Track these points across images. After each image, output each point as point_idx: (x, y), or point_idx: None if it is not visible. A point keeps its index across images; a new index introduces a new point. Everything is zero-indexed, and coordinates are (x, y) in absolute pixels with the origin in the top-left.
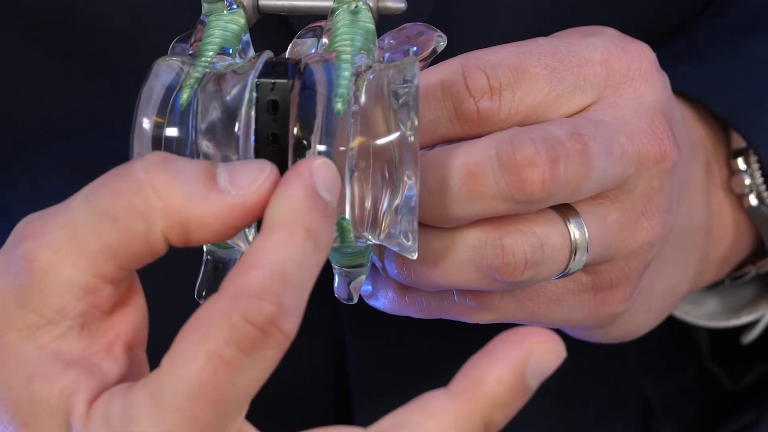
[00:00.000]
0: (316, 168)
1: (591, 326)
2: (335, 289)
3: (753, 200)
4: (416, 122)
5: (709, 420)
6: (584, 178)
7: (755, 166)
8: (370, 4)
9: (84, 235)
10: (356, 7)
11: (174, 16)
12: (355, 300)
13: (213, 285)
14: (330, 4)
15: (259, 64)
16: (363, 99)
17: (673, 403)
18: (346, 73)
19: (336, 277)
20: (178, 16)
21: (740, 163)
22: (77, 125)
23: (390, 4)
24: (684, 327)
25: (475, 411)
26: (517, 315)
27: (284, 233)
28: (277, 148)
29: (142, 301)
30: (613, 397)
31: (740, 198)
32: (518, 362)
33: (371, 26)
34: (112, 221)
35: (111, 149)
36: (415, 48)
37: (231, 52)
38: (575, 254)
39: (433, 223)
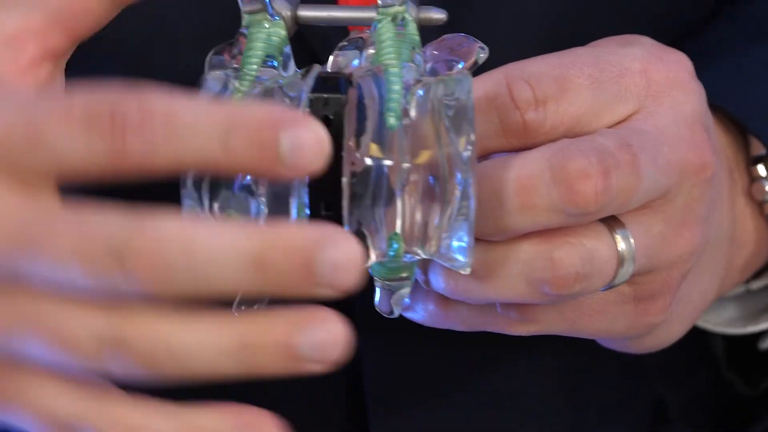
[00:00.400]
0: None
1: (631, 336)
2: (376, 303)
3: None
4: (473, 136)
5: (725, 426)
6: (635, 189)
7: None
8: (413, 15)
9: None
10: (403, 19)
11: (182, 29)
12: (397, 314)
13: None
14: (369, 14)
15: (310, 79)
16: (413, 113)
17: (689, 408)
18: (396, 87)
19: (377, 290)
20: (186, 29)
21: (760, 169)
22: None
23: (432, 15)
24: (700, 333)
25: None
26: (560, 327)
27: None
28: (332, 163)
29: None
30: (624, 400)
31: (761, 205)
32: None
33: (416, 38)
34: None
35: None
36: (461, 62)
37: (276, 64)
38: (622, 265)
39: (484, 236)
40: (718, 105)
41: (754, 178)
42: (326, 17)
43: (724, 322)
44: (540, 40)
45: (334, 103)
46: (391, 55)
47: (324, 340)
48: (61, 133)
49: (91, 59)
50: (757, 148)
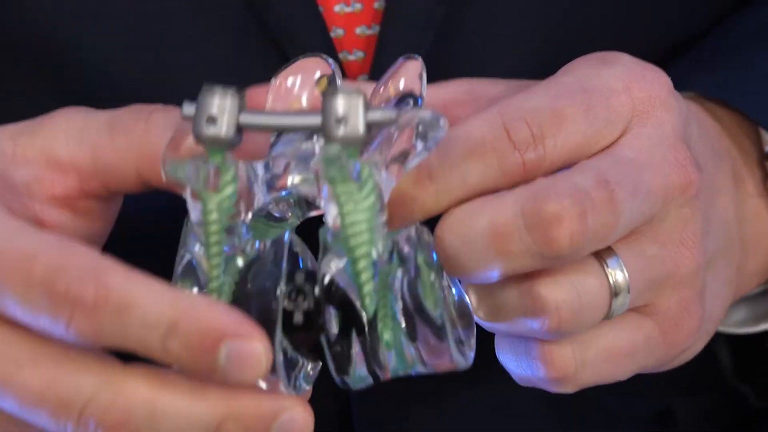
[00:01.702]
0: None
1: (665, 365)
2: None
3: None
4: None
5: None
6: (612, 226)
7: None
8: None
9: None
10: (357, 174)
11: (166, 47)
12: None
13: None
14: (314, 121)
15: (282, 263)
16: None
17: (697, 418)
18: (368, 287)
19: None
20: (171, 48)
21: None
22: None
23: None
24: (708, 345)
25: None
26: (597, 380)
27: None
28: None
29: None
30: (629, 409)
31: None
32: None
33: (376, 194)
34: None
35: None
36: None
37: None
38: (617, 296)
39: (471, 281)
40: (726, 102)
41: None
42: (270, 124)
43: (735, 323)
44: (538, 42)
45: (310, 295)
46: (359, 240)
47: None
48: (19, 290)
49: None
50: None
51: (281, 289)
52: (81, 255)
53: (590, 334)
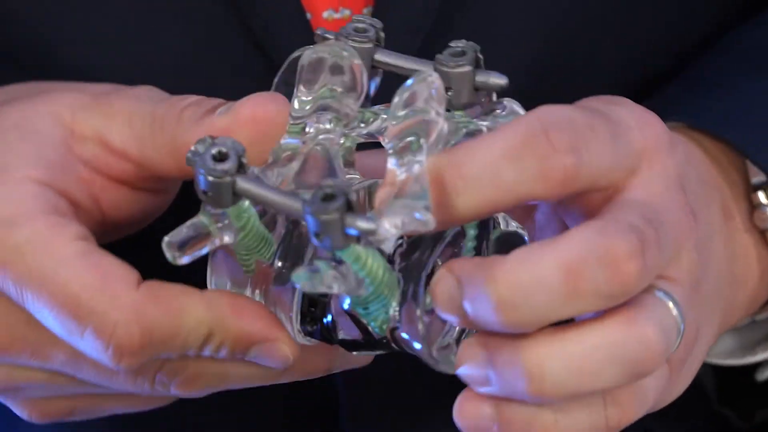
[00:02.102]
0: None
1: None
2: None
3: None
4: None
5: None
6: (660, 264)
7: None
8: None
9: None
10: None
11: (142, 41)
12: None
13: None
14: (296, 204)
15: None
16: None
17: None
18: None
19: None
20: (148, 43)
21: (761, 196)
22: None
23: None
24: None
25: None
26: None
27: None
28: None
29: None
30: None
31: (763, 233)
32: None
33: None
34: None
35: None
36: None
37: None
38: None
39: (531, 327)
40: (714, 134)
41: (754, 206)
42: (260, 198)
43: (722, 354)
44: (532, 47)
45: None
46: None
47: None
48: (64, 330)
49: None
50: (756, 175)
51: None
52: (122, 297)
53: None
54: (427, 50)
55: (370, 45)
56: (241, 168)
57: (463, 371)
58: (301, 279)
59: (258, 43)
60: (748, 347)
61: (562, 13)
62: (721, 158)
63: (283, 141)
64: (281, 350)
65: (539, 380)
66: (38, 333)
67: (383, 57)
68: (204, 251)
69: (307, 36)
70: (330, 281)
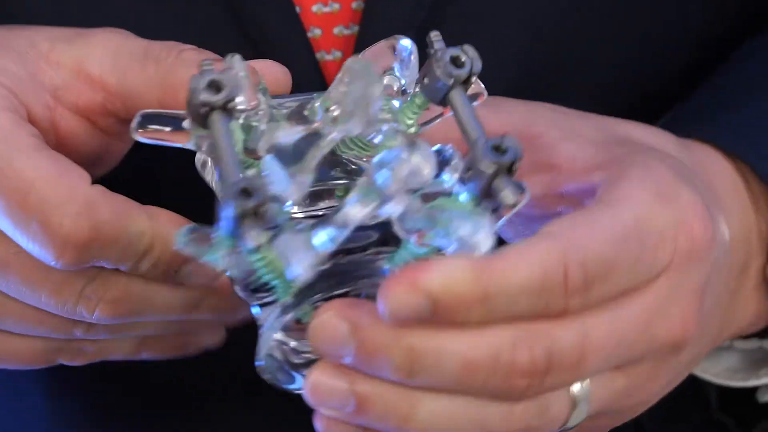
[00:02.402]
0: None
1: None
2: None
3: None
4: None
5: None
6: (571, 383)
7: None
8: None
9: None
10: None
11: None
12: None
13: None
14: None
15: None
16: None
17: None
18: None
19: None
20: None
21: None
22: None
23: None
24: (692, 376)
25: None
26: None
27: None
28: None
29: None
30: None
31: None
32: None
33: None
34: None
35: None
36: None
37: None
38: (576, 408)
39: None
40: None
41: None
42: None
43: (725, 372)
44: (521, 45)
45: None
46: None
47: None
48: (13, 217)
49: None
50: None
51: None
52: (76, 189)
53: None
54: (420, 44)
55: None
56: (227, 106)
57: (321, 343)
58: (181, 239)
59: (248, 35)
60: (751, 368)
61: (555, 9)
62: (754, 186)
63: None
64: (212, 268)
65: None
66: None
67: None
68: (167, 143)
69: (297, 29)
70: (211, 256)
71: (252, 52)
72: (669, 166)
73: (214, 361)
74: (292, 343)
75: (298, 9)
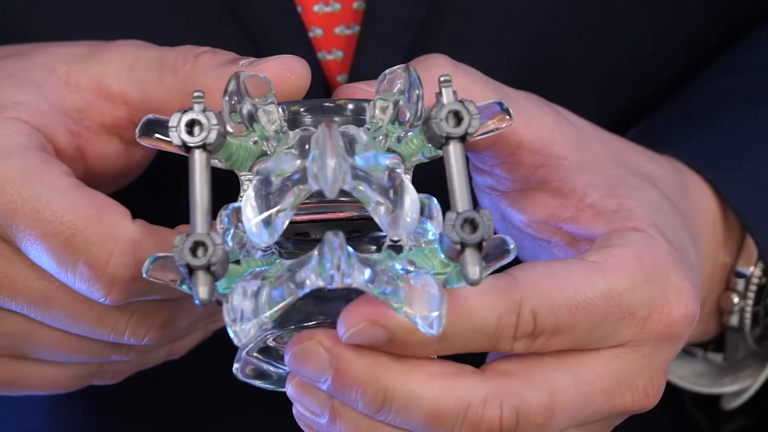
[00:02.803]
0: None
1: None
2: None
3: (734, 320)
4: None
5: None
6: None
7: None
8: None
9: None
10: None
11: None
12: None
13: None
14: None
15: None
16: None
17: None
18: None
19: None
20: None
21: (739, 283)
22: None
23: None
24: None
25: None
26: None
27: None
28: None
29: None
30: None
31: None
32: None
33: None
34: None
35: None
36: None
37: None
38: None
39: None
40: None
41: (728, 287)
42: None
43: (690, 376)
44: (519, 43)
45: None
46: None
47: None
48: (59, 259)
49: None
50: (748, 260)
51: None
52: (116, 223)
53: None
54: (419, 44)
55: None
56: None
57: (301, 368)
58: (147, 267)
59: (249, 35)
60: (716, 374)
61: (554, 8)
62: (731, 216)
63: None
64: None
65: (381, 404)
66: (14, 267)
67: None
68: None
69: (298, 29)
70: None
71: (253, 51)
72: (669, 246)
73: (215, 362)
74: (271, 343)
75: (299, 9)
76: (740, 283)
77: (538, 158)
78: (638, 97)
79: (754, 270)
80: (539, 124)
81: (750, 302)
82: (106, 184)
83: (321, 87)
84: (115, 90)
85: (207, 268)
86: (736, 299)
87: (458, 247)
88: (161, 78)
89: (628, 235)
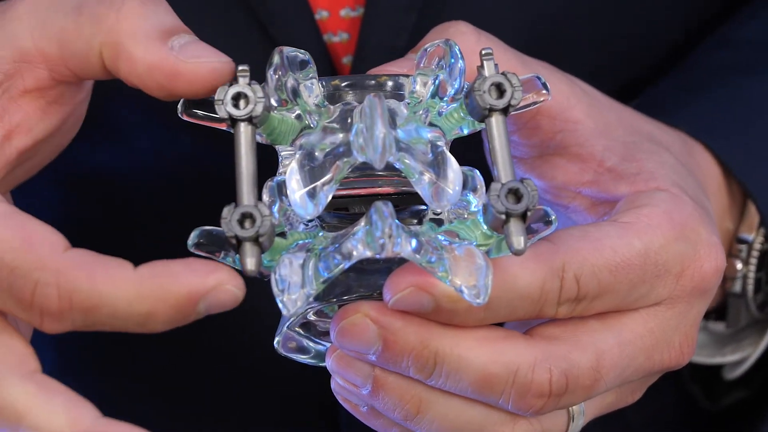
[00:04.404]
0: None
1: None
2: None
3: (737, 287)
4: None
5: None
6: (584, 401)
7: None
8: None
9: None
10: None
11: None
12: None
13: None
14: None
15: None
16: None
17: (652, 422)
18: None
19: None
20: None
21: (743, 248)
22: None
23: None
24: None
25: None
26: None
27: None
28: None
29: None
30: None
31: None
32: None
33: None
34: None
35: (100, 159)
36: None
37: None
38: (572, 423)
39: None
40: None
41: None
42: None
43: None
44: (523, 24)
45: None
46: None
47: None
48: None
49: None
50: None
51: None
52: (43, 253)
53: None
54: (421, 27)
55: None
56: (253, 120)
57: (349, 342)
58: (192, 240)
59: (256, 19)
60: (717, 345)
61: None
62: (734, 184)
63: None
64: (230, 294)
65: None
66: None
67: None
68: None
69: (304, 12)
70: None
71: (260, 34)
72: (694, 203)
73: (221, 361)
74: (311, 317)
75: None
76: (743, 250)
77: (556, 123)
78: (638, 76)
79: (756, 236)
80: (556, 90)
81: (753, 268)
82: (38, 157)
83: (327, 69)
84: (31, 48)
85: (255, 239)
86: (739, 266)
87: (503, 217)
88: (79, 26)
89: (654, 194)
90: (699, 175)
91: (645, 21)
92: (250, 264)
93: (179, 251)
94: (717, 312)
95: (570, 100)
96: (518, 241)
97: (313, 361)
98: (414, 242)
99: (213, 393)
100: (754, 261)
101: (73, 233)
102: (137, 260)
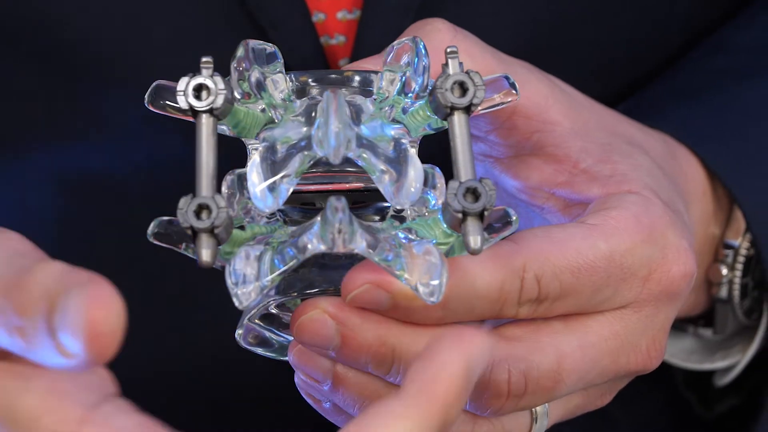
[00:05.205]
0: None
1: None
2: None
3: (723, 292)
4: None
5: None
6: (545, 402)
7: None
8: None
9: None
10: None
11: (154, 30)
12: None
13: None
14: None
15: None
16: None
17: (642, 429)
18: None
19: None
20: (159, 31)
21: (729, 253)
22: (59, 137)
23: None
24: None
25: (435, 411)
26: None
27: None
28: None
29: None
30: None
31: (711, 286)
32: (463, 359)
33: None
34: None
35: (95, 161)
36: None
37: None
38: (536, 422)
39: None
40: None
41: (717, 259)
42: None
43: (681, 353)
44: (520, 29)
45: None
46: None
47: None
48: None
49: (61, 56)
50: (737, 232)
51: None
52: None
53: None
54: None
55: None
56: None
57: (308, 337)
58: (152, 229)
59: (253, 20)
60: (706, 351)
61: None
62: (720, 189)
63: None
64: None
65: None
66: None
67: None
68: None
69: (301, 14)
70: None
71: (257, 37)
72: (665, 206)
73: (222, 373)
74: (273, 310)
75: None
76: (729, 255)
77: (532, 124)
78: (634, 81)
79: (741, 241)
80: (534, 90)
81: (738, 274)
82: None
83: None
84: None
85: (210, 230)
86: (724, 271)
87: (460, 216)
88: None
89: (624, 197)
90: (680, 179)
91: (644, 23)
92: (206, 255)
93: (173, 253)
94: (705, 318)
95: (548, 101)
96: (475, 240)
97: (275, 354)
98: (370, 239)
99: (207, 403)
100: (740, 266)
101: (67, 235)
102: (133, 260)
